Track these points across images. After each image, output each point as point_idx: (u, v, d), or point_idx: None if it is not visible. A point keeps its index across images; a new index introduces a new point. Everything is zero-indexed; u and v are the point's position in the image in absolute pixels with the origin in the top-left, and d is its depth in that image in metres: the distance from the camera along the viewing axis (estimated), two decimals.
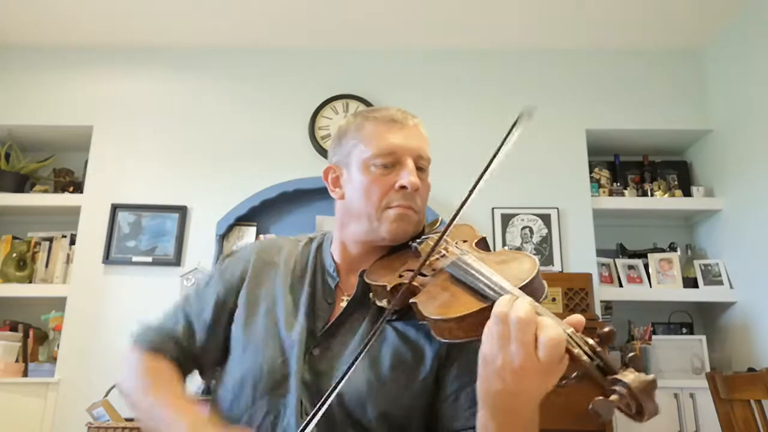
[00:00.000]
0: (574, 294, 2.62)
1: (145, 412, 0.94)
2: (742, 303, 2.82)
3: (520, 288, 0.73)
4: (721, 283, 2.91)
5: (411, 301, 0.83)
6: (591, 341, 0.65)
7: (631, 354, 0.63)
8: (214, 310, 1.03)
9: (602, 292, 2.88)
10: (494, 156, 0.86)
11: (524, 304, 0.66)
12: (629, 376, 0.60)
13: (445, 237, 0.88)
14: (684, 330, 3.01)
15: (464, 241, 0.95)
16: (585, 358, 0.64)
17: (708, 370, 2.70)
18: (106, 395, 2.24)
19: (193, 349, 1.02)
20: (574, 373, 0.65)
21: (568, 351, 0.65)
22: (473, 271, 0.80)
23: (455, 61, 3.28)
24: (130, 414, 2.17)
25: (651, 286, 2.97)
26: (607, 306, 2.95)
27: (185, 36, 3.22)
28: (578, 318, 0.67)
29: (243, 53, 3.30)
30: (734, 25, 2.98)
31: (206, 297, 1.05)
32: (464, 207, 0.85)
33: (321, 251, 1.08)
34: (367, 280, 0.94)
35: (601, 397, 0.60)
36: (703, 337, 2.82)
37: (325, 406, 0.74)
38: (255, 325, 0.99)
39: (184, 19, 3.08)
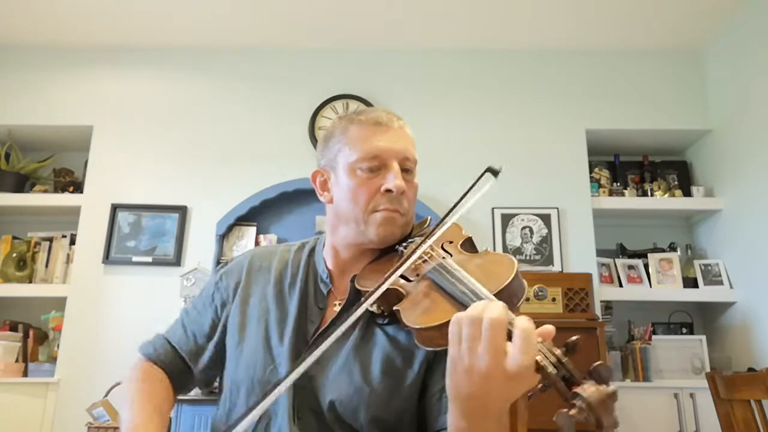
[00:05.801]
0: (574, 294, 2.61)
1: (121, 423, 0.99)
2: (742, 303, 2.82)
3: (498, 293, 0.74)
4: (721, 283, 2.91)
5: (395, 308, 0.83)
6: (557, 351, 0.64)
7: (595, 363, 0.61)
8: (211, 323, 1.07)
9: (602, 292, 2.88)
10: (456, 204, 0.90)
11: (498, 306, 0.66)
12: (589, 390, 0.59)
13: (429, 242, 0.88)
14: (684, 330, 3.01)
15: (450, 242, 0.95)
16: (551, 369, 0.62)
17: (708, 370, 2.70)
18: (106, 395, 2.25)
19: (191, 362, 1.07)
20: (540, 384, 0.63)
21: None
22: (452, 278, 0.80)
23: (455, 61, 3.28)
24: None
25: (651, 286, 2.97)
26: (607, 306, 2.95)
27: (185, 36, 3.22)
28: (548, 328, 0.66)
29: (243, 53, 3.30)
30: (734, 25, 2.98)
31: (204, 311, 1.09)
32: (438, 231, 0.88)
33: (313, 256, 1.09)
34: (357, 286, 0.95)
35: (563, 410, 0.58)
36: (703, 337, 2.82)
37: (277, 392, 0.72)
38: (247, 334, 1.02)
39: (184, 19, 3.08)
